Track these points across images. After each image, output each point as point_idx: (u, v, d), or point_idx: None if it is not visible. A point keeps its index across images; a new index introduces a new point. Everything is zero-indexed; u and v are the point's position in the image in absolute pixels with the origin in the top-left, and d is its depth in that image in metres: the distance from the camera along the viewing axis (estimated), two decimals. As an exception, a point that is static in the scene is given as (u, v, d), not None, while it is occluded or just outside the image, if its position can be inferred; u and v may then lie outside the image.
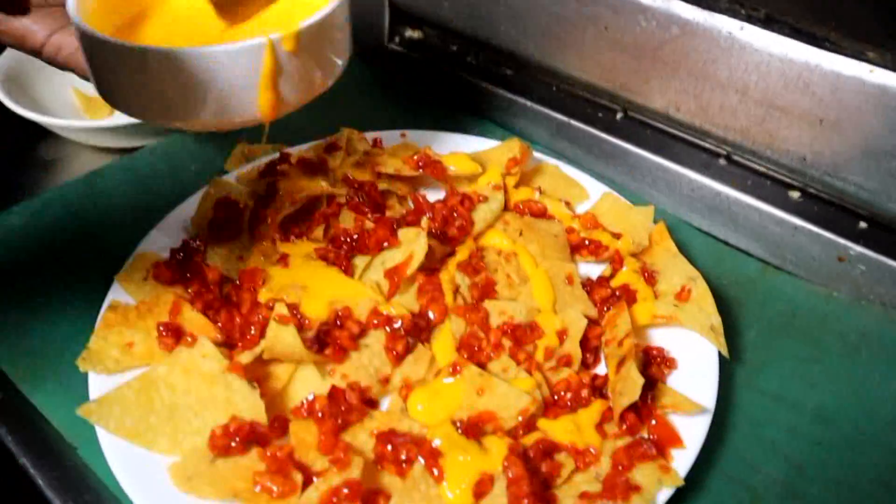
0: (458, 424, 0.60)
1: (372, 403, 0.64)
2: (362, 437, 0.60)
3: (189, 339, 0.65)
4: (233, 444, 0.57)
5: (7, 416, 0.66)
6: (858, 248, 0.77)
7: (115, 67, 0.58)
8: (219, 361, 0.62)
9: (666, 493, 0.57)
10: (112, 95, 0.61)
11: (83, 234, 0.82)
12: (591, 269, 0.77)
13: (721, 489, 0.62)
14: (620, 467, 0.58)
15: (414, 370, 0.65)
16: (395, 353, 0.65)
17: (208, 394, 0.61)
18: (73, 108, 1.04)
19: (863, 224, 0.77)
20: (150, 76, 0.57)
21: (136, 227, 0.76)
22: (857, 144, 0.72)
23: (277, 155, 0.84)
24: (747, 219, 0.83)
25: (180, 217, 0.78)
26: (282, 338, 0.63)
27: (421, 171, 0.81)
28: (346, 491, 0.54)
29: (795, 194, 0.81)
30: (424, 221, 0.73)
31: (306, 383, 0.64)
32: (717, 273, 0.80)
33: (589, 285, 0.74)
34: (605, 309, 0.71)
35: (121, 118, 0.96)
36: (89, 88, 0.99)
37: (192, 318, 0.67)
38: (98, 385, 0.63)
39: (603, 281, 0.74)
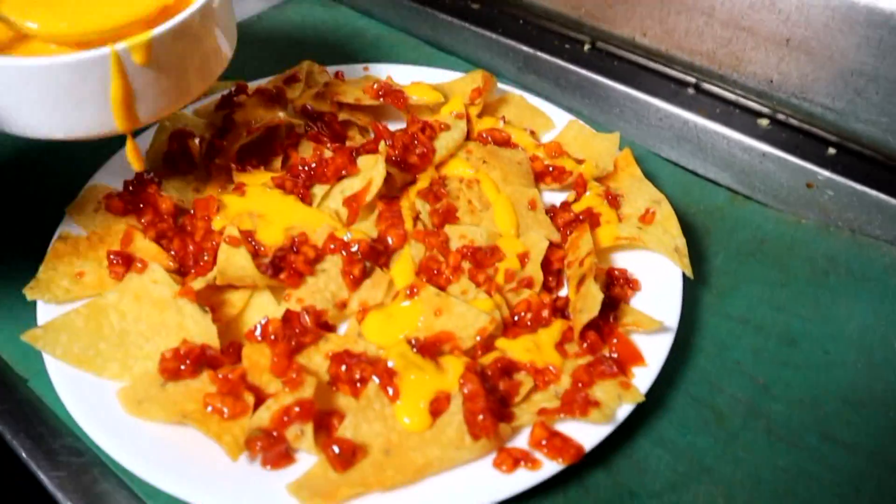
0: (414, 343, 0.59)
1: (329, 328, 0.62)
2: (317, 359, 0.58)
3: (139, 266, 0.63)
4: (182, 367, 0.56)
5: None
6: (827, 174, 0.76)
7: None
8: (170, 287, 0.61)
9: (626, 408, 0.56)
10: None
11: (36, 170, 0.79)
12: (556, 198, 0.76)
13: (685, 409, 0.61)
14: (580, 384, 0.57)
15: (371, 295, 0.63)
16: (351, 277, 0.63)
17: (159, 319, 0.59)
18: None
19: (831, 150, 0.76)
20: None
21: (90, 161, 0.74)
22: (824, 64, 0.70)
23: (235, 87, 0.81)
24: (715, 147, 0.82)
25: (135, 150, 0.75)
26: (233, 260, 0.61)
27: (381, 100, 0.79)
28: (297, 410, 0.53)
29: (764, 121, 0.80)
30: (383, 147, 0.71)
31: (262, 309, 0.63)
32: (686, 202, 0.78)
33: (552, 211, 0.72)
34: (568, 233, 0.69)
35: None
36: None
37: (144, 247, 0.65)
38: (47, 315, 0.61)
39: (566, 206, 0.72)
